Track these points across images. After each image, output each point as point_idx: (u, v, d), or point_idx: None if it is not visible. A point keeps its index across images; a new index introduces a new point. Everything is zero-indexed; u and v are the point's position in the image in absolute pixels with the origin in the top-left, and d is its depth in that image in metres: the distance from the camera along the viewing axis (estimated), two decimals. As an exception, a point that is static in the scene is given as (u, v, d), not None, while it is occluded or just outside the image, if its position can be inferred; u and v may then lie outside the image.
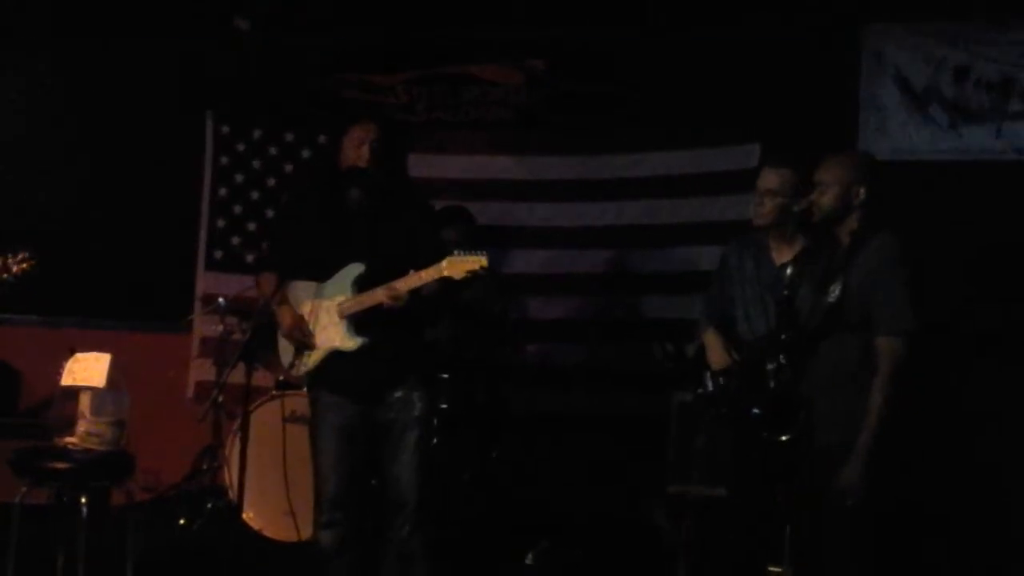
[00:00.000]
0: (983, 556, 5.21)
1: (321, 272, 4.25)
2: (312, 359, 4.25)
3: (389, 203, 4.30)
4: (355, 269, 4.19)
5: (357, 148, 4.23)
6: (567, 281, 6.16)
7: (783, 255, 4.48)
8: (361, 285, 4.17)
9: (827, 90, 5.80)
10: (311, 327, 4.23)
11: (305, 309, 4.25)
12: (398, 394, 4.25)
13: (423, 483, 4.24)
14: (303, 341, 4.22)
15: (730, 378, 4.43)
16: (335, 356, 4.21)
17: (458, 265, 3.99)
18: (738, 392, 4.37)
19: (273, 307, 4.29)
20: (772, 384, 4.21)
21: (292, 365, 4.27)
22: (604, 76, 6.28)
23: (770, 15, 5.79)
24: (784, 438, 4.15)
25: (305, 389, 4.51)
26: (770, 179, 4.45)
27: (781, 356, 4.15)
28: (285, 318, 4.25)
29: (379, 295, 4.08)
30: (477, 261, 3.98)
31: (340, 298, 4.20)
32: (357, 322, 4.16)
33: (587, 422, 6.01)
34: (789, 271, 4.13)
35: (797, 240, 4.49)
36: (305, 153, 6.74)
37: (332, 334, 4.21)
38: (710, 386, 4.51)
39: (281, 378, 5.79)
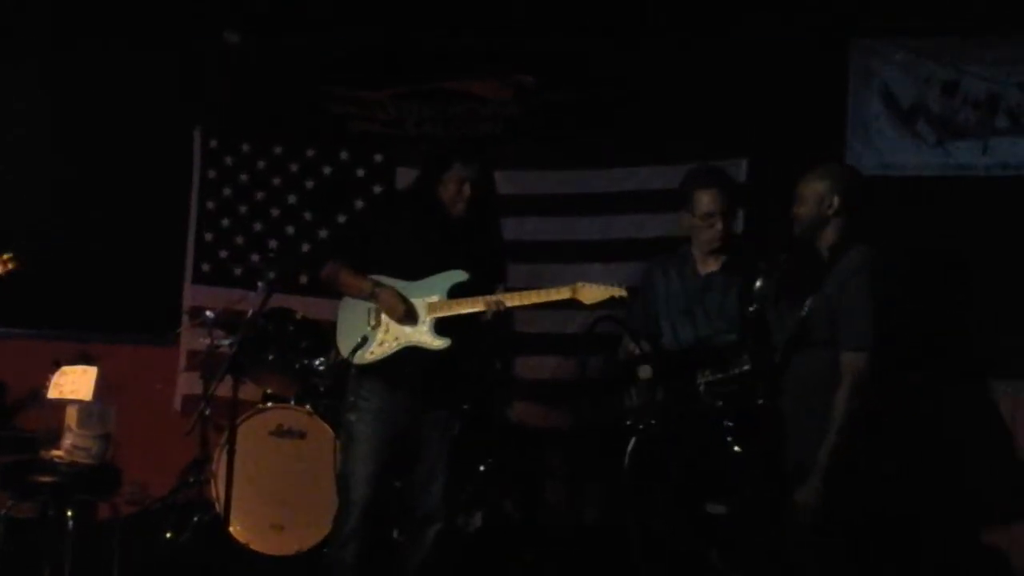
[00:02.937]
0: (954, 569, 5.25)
1: (407, 273, 4.29)
2: (383, 349, 4.28)
3: (480, 227, 4.39)
4: (457, 276, 4.26)
5: (458, 186, 4.28)
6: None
7: (708, 265, 4.61)
8: (458, 292, 4.23)
9: (815, 105, 5.81)
10: (385, 320, 4.28)
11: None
12: (443, 413, 4.32)
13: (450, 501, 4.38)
14: (405, 312, 4.23)
15: (656, 390, 4.45)
16: (409, 352, 4.25)
17: (591, 292, 4.06)
18: (665, 403, 4.40)
19: (369, 290, 4.30)
20: (742, 394, 4.26)
21: (354, 352, 4.27)
22: (592, 89, 6.28)
23: (758, 30, 5.80)
24: (753, 450, 4.20)
25: (352, 383, 4.45)
26: (713, 201, 4.59)
27: (749, 367, 4.19)
28: (388, 296, 4.27)
29: (491, 302, 4.14)
30: (615, 290, 4.05)
31: (433, 298, 4.23)
32: (442, 324, 4.20)
33: (576, 433, 6.00)
34: (759, 284, 4.17)
35: (723, 251, 4.57)
36: (293, 166, 6.73)
37: (413, 331, 4.25)
38: (635, 398, 4.53)
39: (268, 391, 5.78)
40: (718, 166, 4.78)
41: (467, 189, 4.28)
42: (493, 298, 4.17)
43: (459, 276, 4.26)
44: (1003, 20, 5.52)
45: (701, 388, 4.37)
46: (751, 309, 4.18)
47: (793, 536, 3.99)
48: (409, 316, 4.25)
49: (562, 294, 4.16)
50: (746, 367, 4.29)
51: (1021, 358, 5.43)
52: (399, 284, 4.31)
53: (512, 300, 4.19)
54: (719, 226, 4.56)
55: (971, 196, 5.63)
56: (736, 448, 4.22)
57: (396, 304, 4.25)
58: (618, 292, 4.09)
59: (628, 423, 4.45)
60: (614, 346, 5.20)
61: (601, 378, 4.91)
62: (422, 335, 4.26)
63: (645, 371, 4.56)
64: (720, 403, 4.33)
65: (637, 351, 4.57)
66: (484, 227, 4.41)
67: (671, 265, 4.72)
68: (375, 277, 4.34)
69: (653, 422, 4.37)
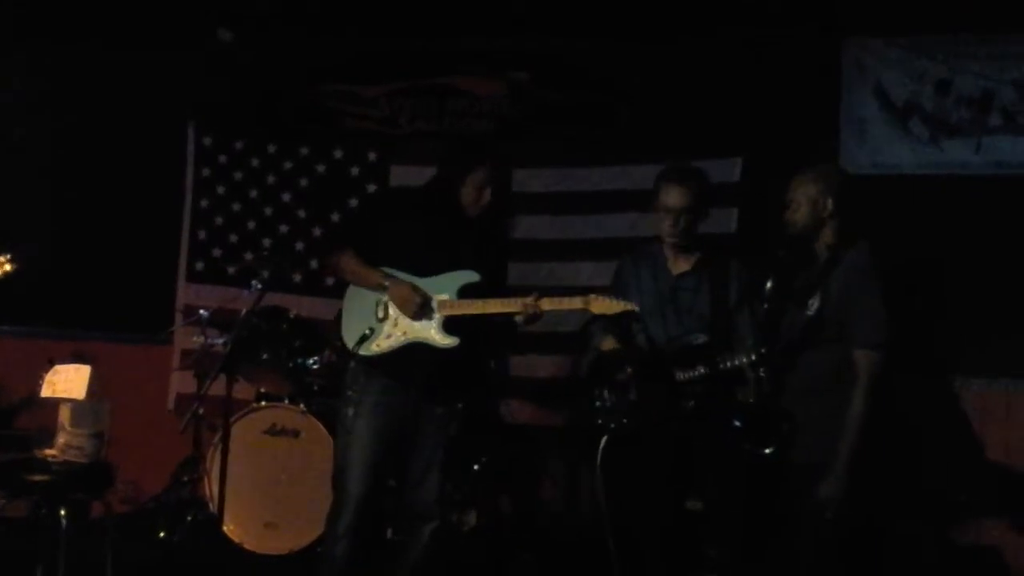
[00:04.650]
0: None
1: (416, 269, 4.28)
2: (389, 343, 4.27)
3: (492, 227, 4.40)
4: (468, 276, 4.25)
5: (479, 190, 4.28)
6: (549, 294, 6.17)
7: (680, 265, 4.62)
8: (468, 292, 4.23)
9: (809, 103, 5.83)
10: (393, 314, 4.27)
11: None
12: (440, 411, 4.33)
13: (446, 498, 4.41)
14: (420, 306, 4.22)
15: (629, 389, 4.45)
16: (415, 347, 4.25)
17: (603, 304, 4.10)
18: (639, 402, 4.40)
19: (380, 282, 4.28)
20: (752, 397, 4.26)
21: (360, 344, 4.25)
22: (587, 87, 6.29)
23: (752, 28, 5.81)
24: (768, 451, 4.20)
25: (351, 376, 4.41)
26: (679, 197, 4.55)
27: (762, 369, 4.19)
28: (402, 288, 4.25)
29: (509, 306, 4.16)
30: (628, 305, 4.12)
31: (443, 296, 4.23)
32: (450, 323, 4.21)
33: (570, 431, 6.01)
34: (768, 284, 4.18)
35: (694, 249, 4.58)
36: (287, 165, 6.72)
37: (421, 327, 4.24)
38: (607, 397, 4.53)
39: (262, 390, 5.78)
40: (693, 166, 4.76)
41: (487, 195, 4.28)
42: (511, 301, 4.17)
43: (470, 277, 4.25)
44: (996, 18, 5.53)
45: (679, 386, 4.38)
46: (764, 308, 4.19)
47: (803, 531, 4.00)
48: (423, 310, 4.24)
49: (574, 304, 4.17)
50: (725, 364, 4.30)
51: (1009, 355, 5.46)
52: (409, 279, 4.31)
53: (545, 304, 4.17)
54: (680, 224, 4.55)
55: (964, 194, 5.64)
56: (766, 451, 4.23)
57: (410, 296, 4.22)
58: (631, 306, 4.12)
59: (600, 421, 4.45)
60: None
61: (583, 375, 4.92)
62: (430, 332, 4.25)
63: (623, 372, 4.56)
64: (692, 402, 4.34)
65: (616, 350, 4.57)
66: (495, 227, 4.42)
67: (643, 263, 4.72)
68: (385, 269, 4.33)
69: (625, 420, 4.38)
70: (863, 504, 4.02)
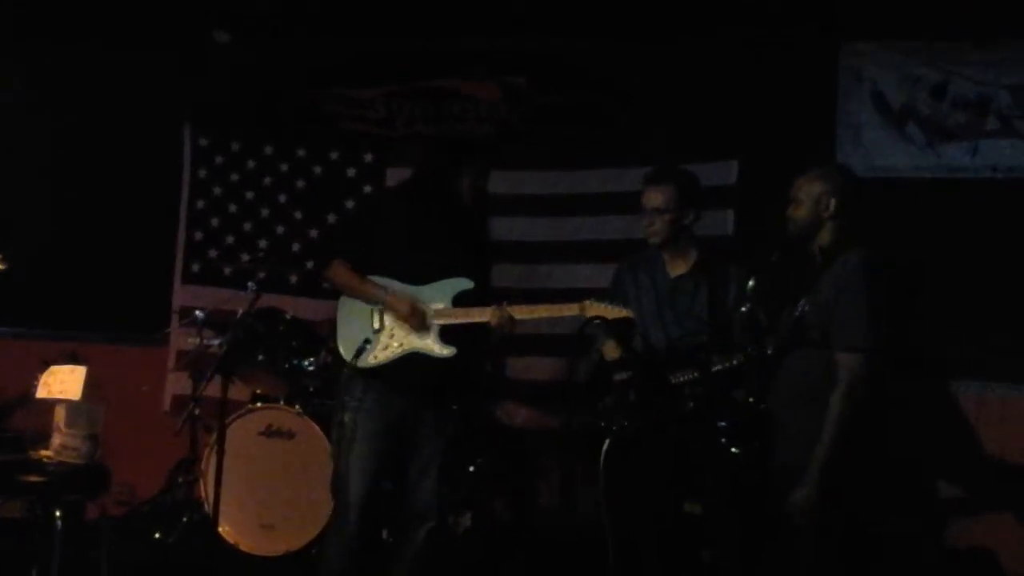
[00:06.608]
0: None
1: (409, 276, 4.28)
2: (386, 354, 4.27)
3: (479, 228, 4.45)
4: (462, 283, 4.27)
5: (473, 180, 4.31)
6: (546, 296, 6.16)
7: (678, 268, 4.65)
8: (462, 300, 4.24)
9: (805, 107, 5.83)
10: (389, 324, 4.27)
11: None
12: (436, 413, 4.37)
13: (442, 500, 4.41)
14: (419, 324, 4.23)
15: (630, 391, 4.46)
16: (413, 357, 4.25)
17: (599, 310, 4.14)
18: (639, 404, 4.41)
19: (380, 298, 4.28)
20: (740, 398, 4.27)
21: (357, 356, 4.24)
22: (586, 87, 6.28)
23: (750, 32, 5.81)
24: (734, 450, 4.21)
25: (347, 382, 4.38)
26: (655, 198, 4.58)
27: (740, 364, 4.20)
28: (400, 303, 4.25)
29: (496, 315, 4.17)
30: (623, 312, 4.16)
31: (438, 305, 4.24)
32: (447, 332, 4.22)
33: (565, 434, 6.01)
34: (751, 284, 4.17)
35: (691, 252, 4.60)
36: (284, 167, 6.72)
37: (418, 337, 4.25)
38: (608, 400, 4.54)
39: (258, 391, 5.77)
40: (678, 167, 4.77)
41: (482, 182, 4.32)
42: (502, 310, 4.17)
43: (464, 284, 4.26)
44: (993, 24, 5.53)
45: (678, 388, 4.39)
46: (743, 309, 4.18)
47: (786, 536, 4.00)
48: (422, 325, 4.25)
49: (571, 310, 4.19)
50: (718, 366, 4.31)
51: (1003, 360, 5.47)
52: (399, 287, 4.29)
53: (521, 313, 4.20)
54: (656, 225, 4.57)
55: (960, 198, 5.64)
56: (732, 449, 4.24)
57: (408, 315, 4.23)
58: (627, 314, 4.12)
59: (602, 424, 4.46)
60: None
61: (583, 379, 4.93)
62: (427, 342, 4.25)
63: (623, 374, 4.57)
64: (691, 404, 4.35)
65: (618, 353, 4.57)
66: (483, 226, 4.43)
67: (640, 267, 4.73)
68: (377, 279, 4.31)
69: (626, 423, 4.38)
70: (862, 505, 4.02)
